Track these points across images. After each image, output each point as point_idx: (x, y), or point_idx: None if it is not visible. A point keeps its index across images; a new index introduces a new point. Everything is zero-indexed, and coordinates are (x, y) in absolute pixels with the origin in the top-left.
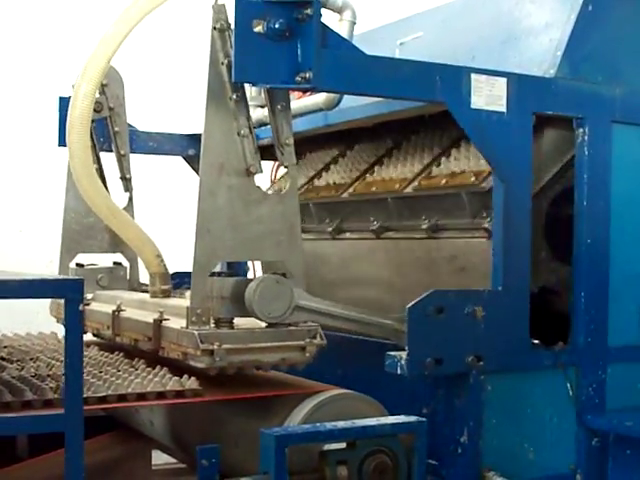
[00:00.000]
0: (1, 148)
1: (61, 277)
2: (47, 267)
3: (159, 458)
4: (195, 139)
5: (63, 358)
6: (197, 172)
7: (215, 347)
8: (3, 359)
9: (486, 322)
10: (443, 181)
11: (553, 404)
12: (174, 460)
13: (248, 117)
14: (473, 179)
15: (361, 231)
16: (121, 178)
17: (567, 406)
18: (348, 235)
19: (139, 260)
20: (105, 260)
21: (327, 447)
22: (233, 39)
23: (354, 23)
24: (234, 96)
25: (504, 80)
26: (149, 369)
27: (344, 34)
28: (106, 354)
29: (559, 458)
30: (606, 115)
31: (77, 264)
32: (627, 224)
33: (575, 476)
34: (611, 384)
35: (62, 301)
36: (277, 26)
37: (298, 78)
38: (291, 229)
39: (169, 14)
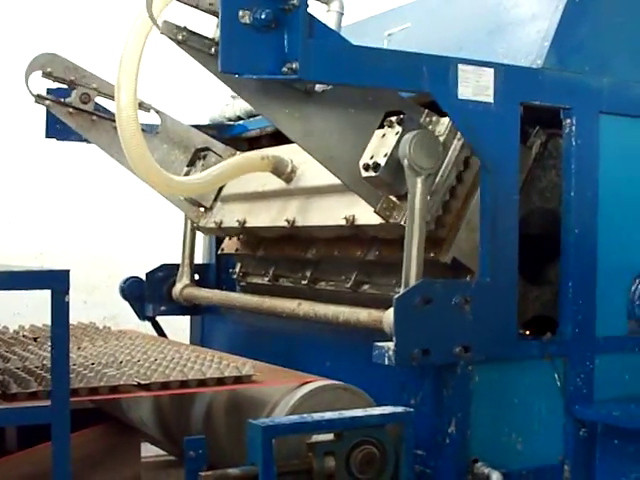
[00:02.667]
0: None
1: (47, 269)
2: (36, 259)
3: (148, 450)
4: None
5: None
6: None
7: None
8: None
9: (474, 313)
10: None
11: (541, 394)
12: (163, 452)
13: None
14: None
15: None
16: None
17: (555, 396)
18: None
19: None
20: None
21: (314, 438)
22: (219, 30)
23: (342, 14)
24: None
25: (491, 71)
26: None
27: (332, 25)
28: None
29: (547, 448)
30: (594, 106)
31: None
32: (615, 215)
33: (563, 466)
34: (599, 375)
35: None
36: (263, 16)
37: (285, 69)
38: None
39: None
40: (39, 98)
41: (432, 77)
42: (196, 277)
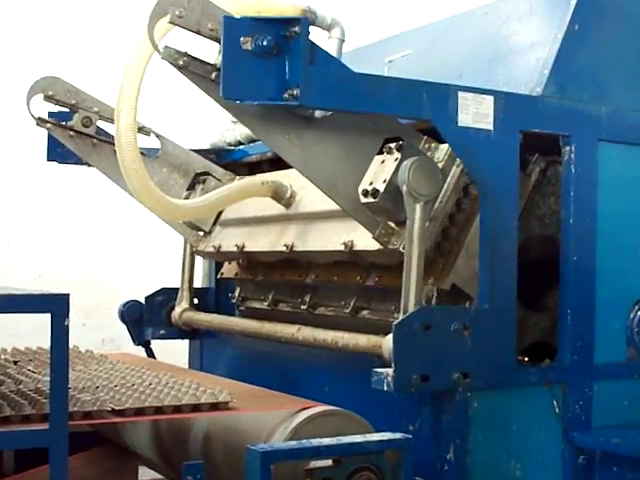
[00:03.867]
0: None
1: (47, 292)
2: (35, 281)
3: (146, 474)
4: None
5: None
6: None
7: None
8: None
9: (473, 339)
10: None
11: (539, 421)
12: (160, 476)
13: None
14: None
15: None
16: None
17: (553, 423)
18: None
19: None
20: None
21: (313, 464)
22: (220, 57)
23: (343, 41)
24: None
25: (491, 98)
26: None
27: (333, 52)
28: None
29: (545, 476)
30: (592, 133)
31: None
32: (613, 242)
33: None
34: (597, 401)
35: None
36: (265, 43)
37: (286, 95)
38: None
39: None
40: (40, 121)
41: (432, 104)
42: (195, 301)
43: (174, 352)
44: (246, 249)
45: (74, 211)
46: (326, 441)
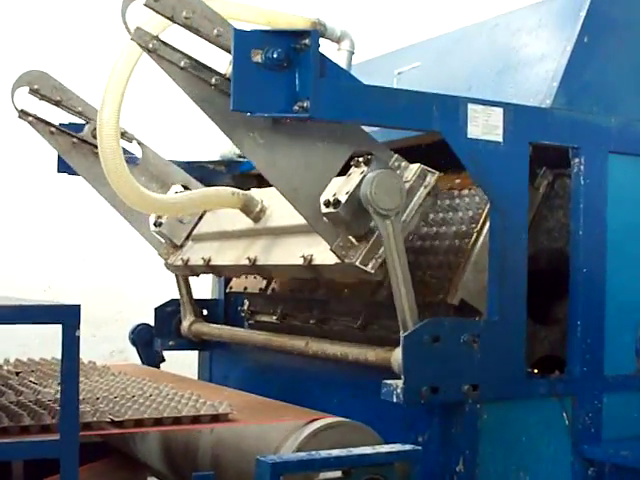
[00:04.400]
0: (0, 173)
1: (57, 303)
2: (45, 292)
3: None
4: (193, 167)
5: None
6: None
7: (378, 260)
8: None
9: (482, 351)
10: None
11: (549, 433)
12: None
13: None
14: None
15: None
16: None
17: (563, 435)
18: None
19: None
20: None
21: (322, 475)
22: (231, 68)
23: (352, 53)
24: (213, 81)
25: (500, 110)
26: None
27: (342, 64)
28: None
29: None
30: (602, 145)
31: (154, 224)
32: (623, 254)
33: None
34: (607, 413)
35: None
36: (275, 56)
37: (296, 107)
38: (343, 128)
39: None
40: (22, 114)
41: (442, 116)
42: (205, 313)
43: (182, 363)
44: (212, 263)
45: (84, 222)
46: (335, 452)
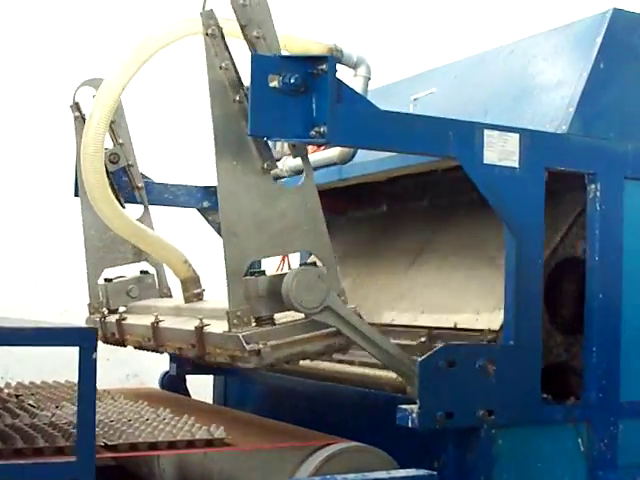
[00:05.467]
0: (16, 197)
1: (75, 326)
2: (61, 315)
3: None
4: (210, 191)
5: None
6: (211, 224)
7: (261, 346)
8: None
9: (497, 376)
10: None
11: (564, 459)
12: None
13: None
14: None
15: None
16: (132, 188)
17: (578, 462)
18: None
19: (164, 265)
20: (132, 270)
21: None
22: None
23: (369, 79)
24: (237, 97)
25: (516, 136)
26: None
27: (359, 89)
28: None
29: None
30: (618, 171)
31: (105, 279)
32: (639, 279)
33: None
34: (623, 440)
35: None
36: (292, 81)
37: (313, 132)
38: (314, 218)
39: (184, 62)
40: (75, 106)
41: (458, 142)
42: None
43: (197, 386)
44: (124, 322)
45: None
46: (351, 477)
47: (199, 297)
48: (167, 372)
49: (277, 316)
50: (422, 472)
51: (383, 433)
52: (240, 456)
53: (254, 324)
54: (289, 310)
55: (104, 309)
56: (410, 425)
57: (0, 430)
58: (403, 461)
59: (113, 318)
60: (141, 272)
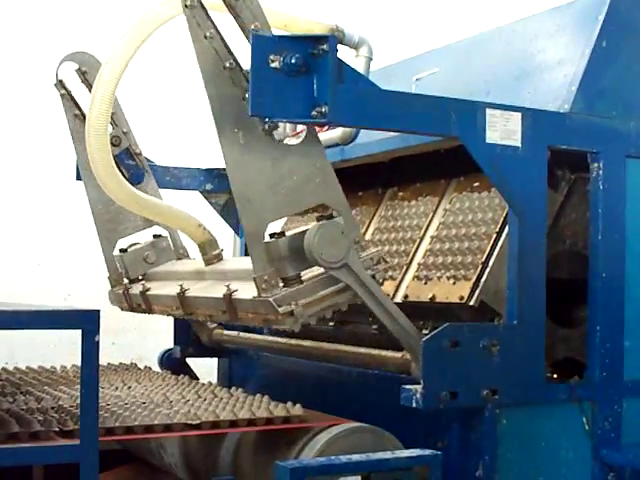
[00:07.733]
0: (19, 182)
1: (77, 308)
2: (65, 300)
3: None
4: (212, 174)
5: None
6: (214, 207)
7: (293, 307)
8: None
9: (501, 356)
10: None
11: (568, 438)
12: None
13: (248, 80)
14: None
15: None
16: (130, 155)
17: (583, 440)
18: None
19: None
20: (145, 236)
21: None
22: (250, 76)
23: (370, 59)
24: (227, 64)
25: (519, 115)
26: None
27: (360, 70)
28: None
29: None
30: (620, 150)
31: (120, 250)
32: None
33: None
34: (627, 418)
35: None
36: (293, 61)
37: (314, 112)
38: (323, 170)
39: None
40: (60, 84)
41: (460, 121)
42: None
43: (199, 371)
44: (149, 292)
45: None
46: (355, 457)
47: (219, 258)
48: (166, 352)
49: (302, 273)
50: (426, 452)
51: (387, 413)
52: (244, 438)
53: (282, 285)
54: (313, 266)
55: (124, 280)
56: (414, 405)
57: (16, 413)
58: (407, 441)
59: (136, 289)
60: (154, 236)
